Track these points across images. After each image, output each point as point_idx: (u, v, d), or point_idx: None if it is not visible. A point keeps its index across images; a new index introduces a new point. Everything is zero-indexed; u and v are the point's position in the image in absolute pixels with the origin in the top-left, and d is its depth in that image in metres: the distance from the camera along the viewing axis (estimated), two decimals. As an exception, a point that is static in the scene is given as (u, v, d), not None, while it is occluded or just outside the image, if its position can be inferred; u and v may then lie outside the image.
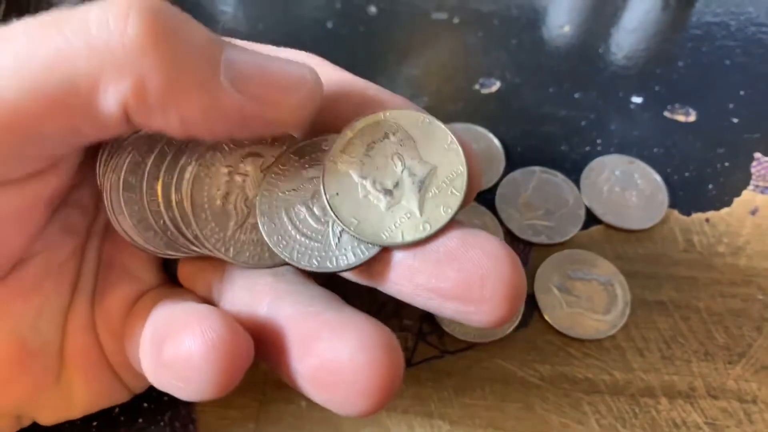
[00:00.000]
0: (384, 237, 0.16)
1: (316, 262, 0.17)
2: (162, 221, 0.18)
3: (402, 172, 0.17)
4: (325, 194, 0.17)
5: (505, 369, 0.24)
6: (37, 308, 0.18)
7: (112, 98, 0.14)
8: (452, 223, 0.16)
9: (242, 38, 0.18)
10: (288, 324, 0.16)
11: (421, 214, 0.16)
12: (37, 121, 0.14)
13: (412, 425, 0.23)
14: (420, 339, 0.25)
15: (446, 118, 0.30)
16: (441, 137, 0.17)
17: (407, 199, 0.17)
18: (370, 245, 0.17)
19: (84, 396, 0.20)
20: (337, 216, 0.17)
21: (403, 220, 0.16)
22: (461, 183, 0.17)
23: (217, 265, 0.19)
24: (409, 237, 0.16)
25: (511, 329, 0.24)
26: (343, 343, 0.14)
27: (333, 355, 0.14)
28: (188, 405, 0.23)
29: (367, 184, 0.17)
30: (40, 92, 0.14)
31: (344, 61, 0.32)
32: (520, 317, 0.25)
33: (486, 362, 0.24)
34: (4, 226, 0.16)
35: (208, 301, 0.19)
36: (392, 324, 0.23)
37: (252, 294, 0.17)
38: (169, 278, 0.21)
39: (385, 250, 0.17)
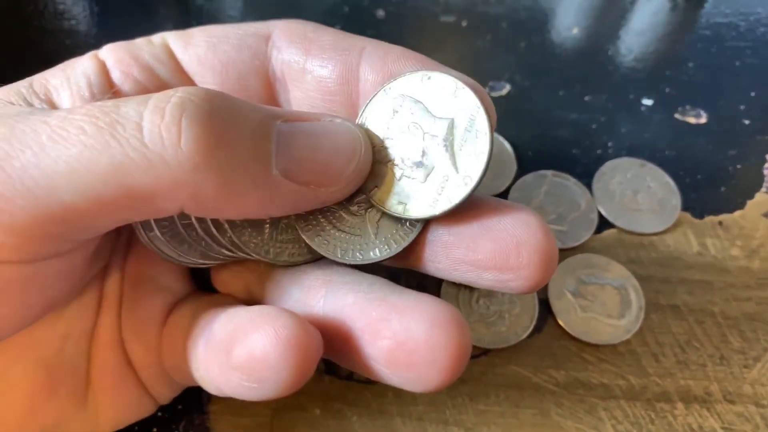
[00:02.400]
0: (434, 209, 0.16)
1: (360, 256, 0.17)
2: (195, 233, 0.18)
3: (423, 138, 0.17)
4: (365, 192, 0.17)
5: (520, 375, 0.24)
6: (62, 334, 0.18)
7: (168, 205, 0.14)
8: (483, 198, 0.17)
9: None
10: (352, 312, 0.16)
11: (458, 171, 0.16)
12: (93, 218, 0.14)
13: (427, 432, 0.23)
14: (434, 345, 0.24)
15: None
16: (446, 87, 0.17)
17: (439, 162, 0.17)
18: (409, 228, 0.17)
19: (111, 414, 0.20)
20: (383, 208, 0.17)
21: (444, 185, 0.16)
22: (482, 122, 0.16)
23: (253, 266, 0.19)
24: (457, 198, 0.16)
25: (525, 335, 0.24)
26: (416, 323, 0.15)
27: (408, 335, 0.15)
28: (202, 414, 0.23)
29: (397, 163, 0.17)
30: (97, 197, 0.14)
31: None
32: (534, 323, 0.24)
33: (500, 368, 0.24)
34: (54, 285, 0.17)
35: (249, 302, 0.19)
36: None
37: (303, 289, 0.18)
38: (199, 284, 0.21)
39: (421, 232, 0.17)
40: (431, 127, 0.17)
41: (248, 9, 0.36)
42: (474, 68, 0.33)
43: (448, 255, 0.17)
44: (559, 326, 0.25)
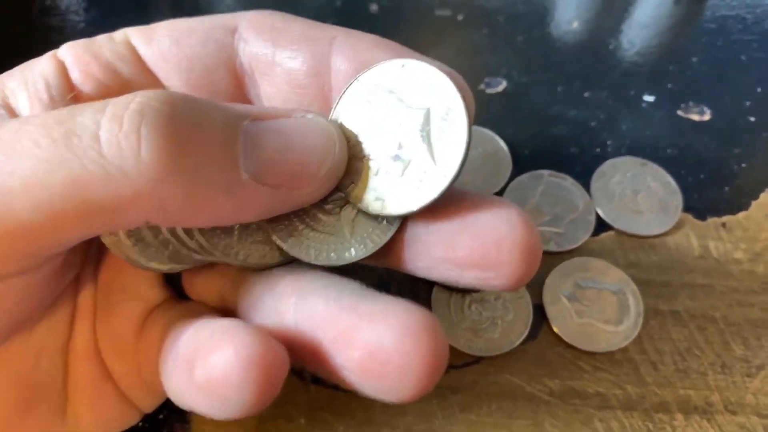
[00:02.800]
0: (413, 204, 0.16)
1: (335, 256, 0.16)
2: (161, 236, 0.17)
3: (399, 130, 0.16)
4: (341, 189, 0.16)
5: (513, 384, 0.23)
6: (36, 349, 0.18)
7: (133, 217, 0.14)
8: (463, 193, 0.16)
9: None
10: (322, 321, 0.15)
11: (436, 163, 0.15)
12: (54, 234, 0.14)
13: (416, 444, 0.22)
14: (424, 352, 0.24)
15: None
16: (421, 75, 0.16)
17: (416, 155, 0.16)
18: (387, 226, 0.16)
19: (93, 426, 0.19)
20: (360, 205, 0.16)
21: (423, 178, 0.16)
22: (460, 110, 0.15)
23: (224, 271, 0.19)
24: (436, 191, 0.15)
25: (518, 342, 0.23)
26: (387, 331, 0.14)
27: (379, 345, 0.14)
28: (184, 423, 0.22)
29: (373, 158, 0.16)
30: (56, 213, 0.13)
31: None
32: (528, 329, 0.24)
33: (493, 377, 0.23)
34: (21, 304, 0.16)
35: (223, 309, 0.19)
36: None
37: (274, 296, 0.17)
38: (175, 291, 0.21)
39: (398, 231, 0.16)
40: (407, 118, 0.16)
41: (240, 3, 0.35)
42: (470, 64, 0.32)
43: (428, 253, 0.16)
44: (554, 333, 0.24)
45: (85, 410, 0.19)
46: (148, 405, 0.20)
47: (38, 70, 0.17)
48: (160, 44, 0.18)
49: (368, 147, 0.16)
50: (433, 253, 0.16)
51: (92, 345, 0.19)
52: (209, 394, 0.14)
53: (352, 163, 0.16)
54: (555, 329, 0.24)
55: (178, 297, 0.20)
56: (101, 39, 0.18)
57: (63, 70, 0.17)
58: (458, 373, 0.23)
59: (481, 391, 0.23)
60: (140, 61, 0.18)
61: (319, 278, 0.17)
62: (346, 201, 0.17)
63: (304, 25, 0.17)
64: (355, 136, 0.16)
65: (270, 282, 0.17)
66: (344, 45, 0.17)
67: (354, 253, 0.16)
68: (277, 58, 0.17)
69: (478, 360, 0.23)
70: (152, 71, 0.18)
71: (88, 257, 0.19)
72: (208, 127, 0.14)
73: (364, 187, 0.16)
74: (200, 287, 0.19)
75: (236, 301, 0.18)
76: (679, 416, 0.22)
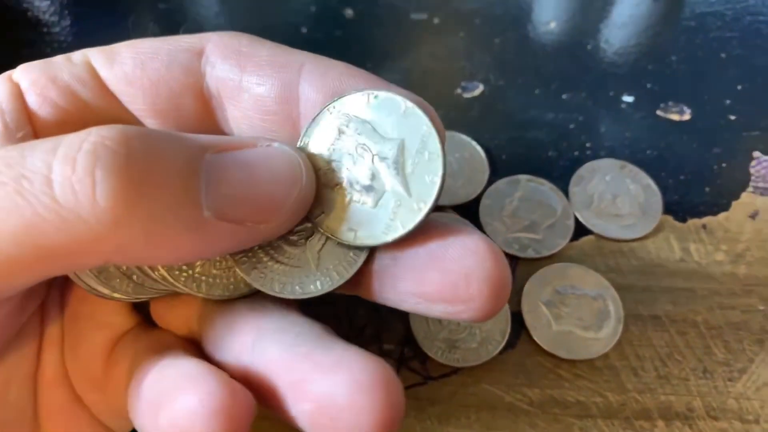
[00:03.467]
0: (386, 236, 0.15)
1: (299, 289, 0.16)
2: (123, 267, 0.17)
3: (372, 161, 0.16)
4: (310, 219, 0.16)
5: (492, 394, 0.23)
6: (3, 380, 0.17)
7: (91, 260, 0.13)
8: (430, 221, 0.16)
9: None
10: (276, 368, 0.15)
11: (410, 195, 0.15)
12: (8, 279, 0.13)
13: (393, 458, 0.21)
14: (401, 365, 0.23)
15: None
16: (394, 107, 0.16)
17: (390, 186, 0.15)
18: (353, 259, 0.16)
19: None
20: (332, 235, 0.16)
21: (396, 209, 0.15)
22: (434, 144, 0.15)
23: (190, 301, 0.18)
24: (410, 224, 0.15)
25: (497, 351, 0.23)
26: (338, 386, 0.14)
27: (330, 399, 0.14)
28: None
29: (346, 188, 0.16)
30: (8, 260, 0.12)
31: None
32: (507, 338, 0.23)
33: (472, 387, 0.23)
34: None
35: (189, 338, 0.18)
36: (372, 349, 0.21)
37: (234, 334, 0.16)
38: (143, 317, 0.20)
39: (366, 262, 0.16)
40: (380, 148, 0.16)
41: (220, 10, 0.34)
42: (446, 67, 0.31)
43: (396, 287, 0.16)
44: (533, 341, 0.23)
45: None
46: (122, 427, 0.20)
47: None
48: (124, 66, 0.17)
49: (340, 175, 0.16)
50: (402, 287, 0.16)
51: (61, 372, 0.18)
52: None
53: (323, 191, 0.16)
54: (534, 337, 0.23)
55: (147, 322, 0.20)
56: (59, 60, 0.17)
57: (18, 94, 0.16)
58: (436, 384, 0.23)
59: (460, 402, 0.22)
60: (101, 84, 0.17)
61: (277, 319, 0.16)
62: (314, 231, 0.16)
63: (271, 50, 0.17)
64: (327, 164, 0.16)
65: (231, 319, 0.17)
66: (314, 73, 0.16)
67: (320, 286, 0.16)
68: (244, 83, 0.17)
69: (456, 371, 0.23)
70: (114, 94, 0.17)
71: (52, 285, 0.19)
72: (167, 164, 0.13)
73: (337, 217, 0.16)
74: (167, 316, 0.19)
75: (200, 334, 0.17)
76: (661, 423, 0.22)
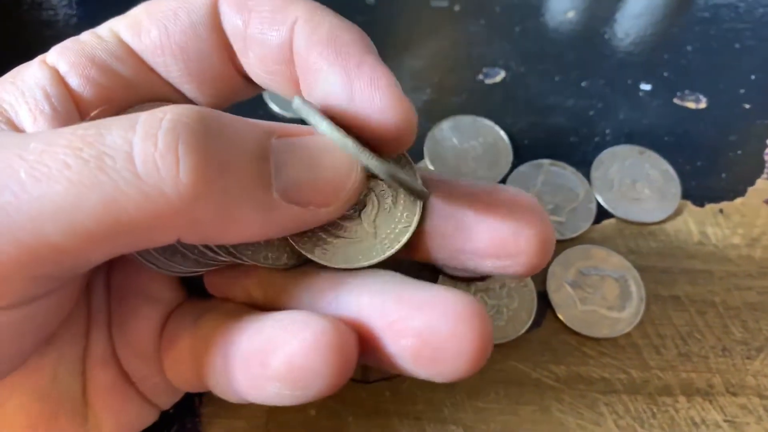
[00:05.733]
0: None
1: (363, 258, 0.16)
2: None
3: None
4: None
5: (519, 371, 0.23)
6: (54, 360, 0.17)
7: (166, 236, 0.14)
8: (476, 184, 0.17)
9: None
10: (370, 312, 0.15)
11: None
12: (84, 255, 0.13)
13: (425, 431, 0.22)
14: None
15: (450, 111, 0.29)
16: None
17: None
18: (406, 222, 0.17)
19: (114, 429, 0.19)
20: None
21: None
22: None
23: (249, 270, 0.18)
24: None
25: (524, 330, 0.24)
26: (439, 319, 0.15)
27: (432, 332, 0.15)
28: (194, 417, 0.22)
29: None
30: (88, 236, 0.13)
31: (343, 53, 0.31)
32: (533, 317, 0.24)
33: (499, 364, 0.23)
34: (46, 323, 0.16)
35: (255, 306, 0.18)
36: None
37: (312, 293, 0.17)
38: (190, 291, 0.21)
39: (419, 225, 0.17)
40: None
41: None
42: (467, 54, 0.32)
43: (447, 245, 0.17)
44: (559, 320, 0.24)
45: (106, 415, 0.19)
46: (167, 403, 0.21)
47: (33, 80, 0.16)
48: (150, 35, 0.17)
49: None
50: (453, 245, 0.16)
51: (109, 350, 0.19)
52: (288, 382, 0.15)
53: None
54: (559, 316, 0.24)
55: (196, 296, 0.20)
56: (90, 39, 0.17)
57: (59, 78, 0.16)
58: (465, 361, 0.23)
59: (488, 378, 0.23)
60: (136, 57, 0.17)
61: (357, 273, 0.17)
62: (364, 204, 0.17)
63: (273, 3, 0.16)
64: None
65: (304, 279, 0.17)
66: (303, 29, 0.16)
67: (381, 251, 0.16)
68: (248, 42, 0.17)
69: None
70: (150, 66, 0.17)
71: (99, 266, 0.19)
72: (241, 145, 0.14)
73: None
74: (224, 285, 0.19)
75: (268, 298, 0.18)
76: (682, 399, 0.23)
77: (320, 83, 0.16)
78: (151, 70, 0.18)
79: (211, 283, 0.19)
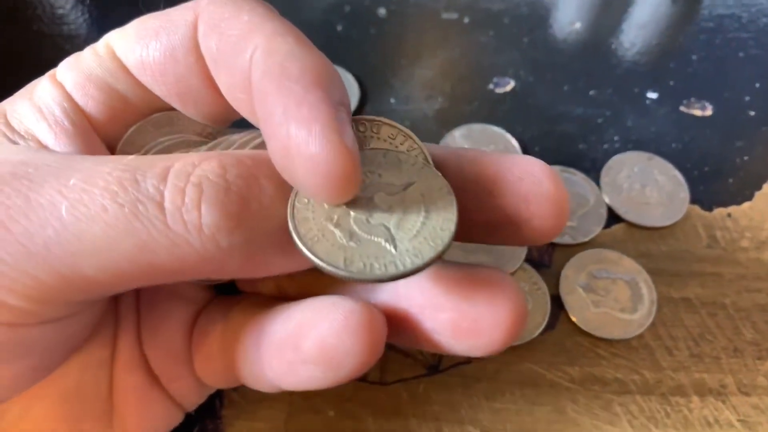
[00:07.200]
0: (436, 245, 0.14)
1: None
2: None
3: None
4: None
5: (535, 372, 0.24)
6: (81, 365, 0.18)
7: (193, 276, 0.15)
8: (486, 152, 0.16)
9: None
10: (407, 291, 0.16)
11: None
12: (115, 287, 0.15)
13: (443, 432, 0.22)
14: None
15: (462, 119, 0.30)
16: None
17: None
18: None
19: (139, 431, 0.19)
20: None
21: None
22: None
23: None
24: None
25: (538, 332, 0.24)
26: (477, 292, 0.15)
27: (471, 304, 0.15)
28: (215, 419, 0.23)
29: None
30: (120, 273, 0.14)
31: (356, 64, 0.32)
32: (547, 319, 0.24)
33: (515, 366, 0.24)
34: (76, 335, 0.17)
35: (285, 298, 0.19)
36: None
37: (340, 282, 0.17)
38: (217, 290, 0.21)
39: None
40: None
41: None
42: (478, 64, 0.33)
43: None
44: (572, 322, 0.25)
45: (132, 418, 0.19)
46: (194, 404, 0.21)
47: (49, 97, 0.17)
48: (135, 52, 0.17)
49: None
50: (465, 216, 0.16)
51: (137, 353, 0.19)
52: (321, 363, 0.15)
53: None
54: (573, 318, 0.24)
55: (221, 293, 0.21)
56: (88, 55, 0.17)
57: (67, 94, 0.17)
58: (482, 363, 0.24)
59: (505, 379, 0.24)
60: (128, 73, 0.17)
61: None
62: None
63: (242, 24, 0.15)
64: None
65: None
66: (258, 61, 0.15)
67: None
68: (217, 67, 0.16)
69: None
70: (141, 82, 0.17)
71: None
72: (262, 193, 0.14)
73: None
74: (255, 281, 0.19)
75: (299, 290, 0.18)
76: (695, 399, 0.23)
77: (266, 121, 0.14)
78: (144, 87, 0.18)
79: (241, 280, 0.20)
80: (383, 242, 0.15)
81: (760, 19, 0.34)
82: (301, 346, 0.15)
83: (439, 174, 0.16)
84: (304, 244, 0.14)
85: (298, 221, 0.15)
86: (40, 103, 0.17)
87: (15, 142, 0.16)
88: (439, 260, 0.15)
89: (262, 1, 0.16)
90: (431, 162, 0.17)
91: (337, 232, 0.15)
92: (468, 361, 0.24)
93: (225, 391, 0.23)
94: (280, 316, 0.16)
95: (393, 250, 0.14)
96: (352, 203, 0.15)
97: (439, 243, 0.14)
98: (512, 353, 0.24)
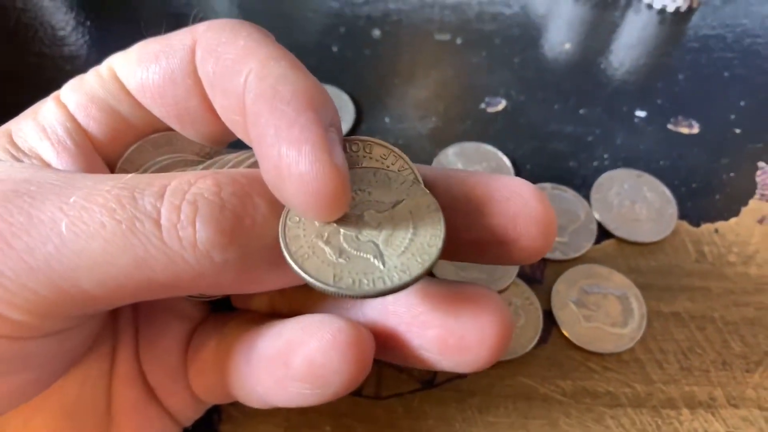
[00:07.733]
0: (423, 260, 0.15)
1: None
2: None
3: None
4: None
5: (528, 386, 0.24)
6: (80, 378, 0.18)
7: (189, 291, 0.15)
8: (473, 173, 0.17)
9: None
10: (396, 309, 0.16)
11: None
12: (114, 301, 0.15)
13: (438, 446, 0.23)
14: (441, 359, 0.25)
15: (455, 138, 0.30)
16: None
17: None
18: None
19: None
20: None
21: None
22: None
23: None
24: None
25: (531, 346, 0.25)
26: (464, 309, 0.16)
27: (458, 321, 0.16)
28: (214, 434, 0.23)
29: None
30: (118, 287, 0.14)
31: (351, 84, 0.33)
32: (539, 334, 0.25)
33: (508, 380, 0.24)
34: (75, 348, 0.17)
35: (277, 315, 0.19)
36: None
37: (330, 299, 0.18)
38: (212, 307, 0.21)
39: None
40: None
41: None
42: (470, 84, 0.33)
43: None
44: (564, 337, 0.25)
45: (130, 431, 0.19)
46: (191, 418, 0.21)
47: (52, 117, 0.17)
48: (135, 76, 0.17)
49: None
50: (453, 236, 0.16)
51: (135, 368, 0.20)
52: (309, 381, 0.15)
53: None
54: (565, 333, 0.25)
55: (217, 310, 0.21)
56: (91, 77, 0.18)
57: (70, 114, 0.18)
58: (475, 377, 0.24)
59: (498, 393, 0.24)
60: (129, 95, 0.18)
61: None
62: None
63: (238, 50, 0.16)
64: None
65: None
66: (252, 85, 0.15)
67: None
68: (214, 90, 0.17)
69: (493, 364, 0.24)
70: (141, 104, 0.18)
71: None
72: (256, 211, 0.15)
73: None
74: (249, 298, 0.20)
75: (291, 307, 0.19)
76: (686, 411, 0.24)
77: (259, 142, 0.15)
78: (144, 109, 0.18)
79: (236, 296, 0.20)
80: (372, 258, 0.15)
81: (744, 39, 0.35)
82: (290, 363, 0.16)
83: (428, 192, 0.16)
84: (295, 261, 0.15)
85: (290, 239, 0.15)
86: (44, 123, 0.17)
87: (19, 160, 0.17)
88: (427, 275, 0.15)
89: (259, 27, 0.17)
90: (421, 181, 0.17)
91: (327, 249, 0.15)
92: (463, 375, 0.24)
93: (223, 406, 0.23)
94: (270, 333, 0.17)
95: (381, 266, 0.15)
96: (342, 220, 0.15)
97: (427, 259, 0.15)
98: (505, 367, 0.24)
